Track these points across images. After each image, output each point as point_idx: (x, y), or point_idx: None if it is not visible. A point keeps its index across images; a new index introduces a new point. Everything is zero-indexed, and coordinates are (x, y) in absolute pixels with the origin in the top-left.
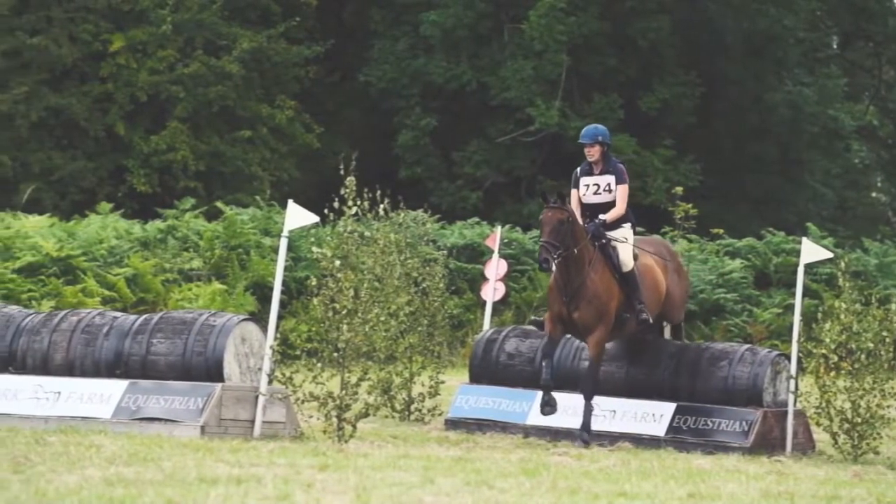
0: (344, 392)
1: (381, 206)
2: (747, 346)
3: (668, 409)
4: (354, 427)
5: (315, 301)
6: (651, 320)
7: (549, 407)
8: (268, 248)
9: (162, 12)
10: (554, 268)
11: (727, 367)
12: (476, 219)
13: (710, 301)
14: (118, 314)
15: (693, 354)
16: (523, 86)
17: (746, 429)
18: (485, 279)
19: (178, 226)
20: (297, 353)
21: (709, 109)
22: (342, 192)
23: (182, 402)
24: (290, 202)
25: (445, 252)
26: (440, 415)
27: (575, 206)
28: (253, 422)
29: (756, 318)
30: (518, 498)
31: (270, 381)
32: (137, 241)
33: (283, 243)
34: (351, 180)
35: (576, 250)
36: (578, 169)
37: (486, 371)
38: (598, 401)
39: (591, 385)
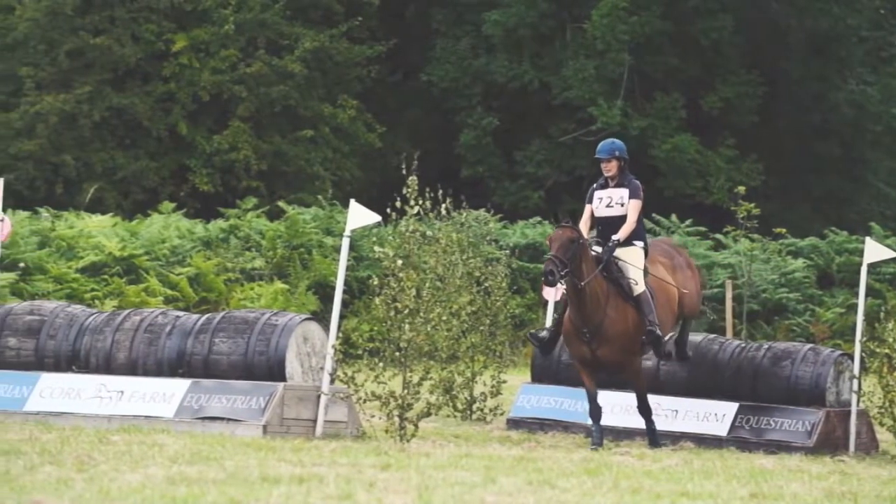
0: (406, 391)
1: (443, 205)
2: (810, 345)
3: (730, 408)
4: (416, 426)
5: (377, 300)
6: (663, 336)
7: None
8: (330, 248)
9: (224, 12)
10: (559, 285)
11: (790, 366)
12: (538, 218)
13: (773, 301)
14: (180, 313)
15: (755, 354)
16: (585, 85)
17: (809, 429)
18: None
19: (241, 225)
20: (359, 352)
21: (771, 109)
22: (404, 191)
23: (244, 402)
24: (352, 202)
25: (507, 251)
26: (502, 414)
27: (586, 220)
28: (315, 421)
29: (818, 318)
30: (580, 497)
31: (332, 381)
32: (200, 241)
33: (345, 243)
34: (413, 180)
35: (583, 284)
36: (595, 185)
37: (548, 371)
38: (660, 400)
39: (647, 409)
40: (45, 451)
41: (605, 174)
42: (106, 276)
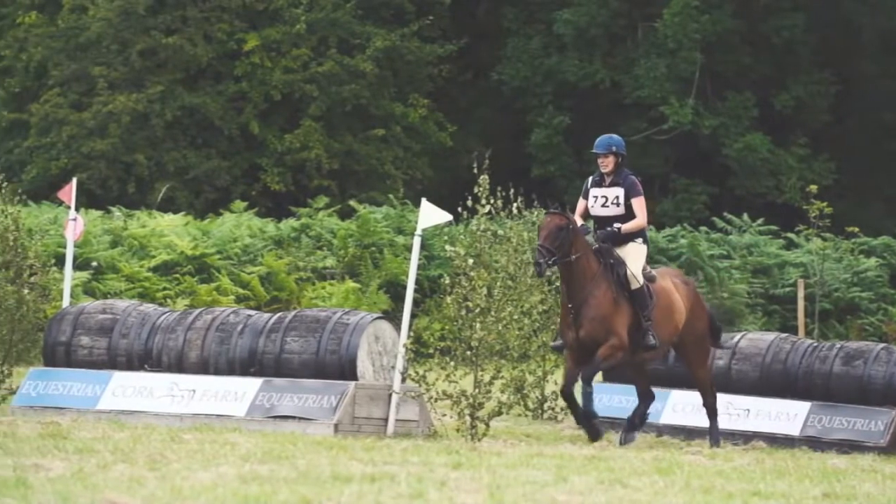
0: (477, 390)
1: (515, 204)
2: (883, 345)
3: (802, 408)
4: (487, 425)
5: (448, 299)
6: (657, 344)
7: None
8: (401, 247)
9: (296, 11)
10: (548, 273)
11: (862, 366)
12: None
13: (845, 300)
14: (252, 312)
15: (828, 354)
16: (657, 84)
17: (882, 428)
18: None
19: (312, 224)
20: (431, 351)
21: (843, 107)
22: (475, 190)
23: (316, 401)
24: (424, 200)
25: None
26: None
27: (579, 214)
28: (386, 420)
29: (891, 317)
30: (652, 497)
31: (404, 380)
32: (271, 240)
33: (417, 242)
34: (484, 178)
35: (573, 257)
36: (590, 179)
37: (619, 370)
38: (731, 399)
39: (591, 372)
40: (118, 449)
41: (602, 170)
42: (178, 275)
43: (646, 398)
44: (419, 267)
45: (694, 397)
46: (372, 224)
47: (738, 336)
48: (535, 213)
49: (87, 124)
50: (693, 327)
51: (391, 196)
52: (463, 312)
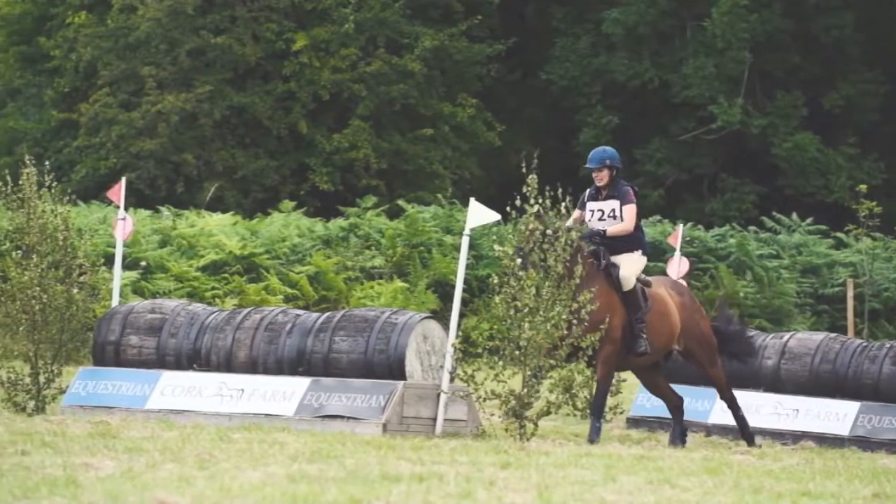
0: (525, 390)
1: (563, 203)
2: None
3: (851, 408)
4: (536, 425)
5: (497, 299)
6: (647, 350)
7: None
8: (449, 247)
9: (344, 11)
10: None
11: None
12: (658, 217)
13: (895, 299)
14: (301, 312)
15: (877, 353)
16: (705, 83)
17: None
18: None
19: (360, 224)
20: (479, 350)
21: (893, 106)
22: (524, 189)
23: (364, 400)
24: (472, 200)
25: None
26: (622, 413)
27: (571, 222)
28: (435, 419)
29: None
30: (700, 496)
31: (452, 379)
32: (320, 240)
33: (465, 241)
34: (533, 178)
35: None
36: (587, 192)
37: (668, 369)
38: (780, 399)
39: (599, 406)
40: (167, 448)
41: (597, 183)
42: (226, 275)
43: (677, 413)
44: (467, 266)
45: (743, 397)
46: (420, 224)
47: (787, 336)
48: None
49: (136, 124)
50: (693, 331)
51: (439, 196)
52: (511, 312)
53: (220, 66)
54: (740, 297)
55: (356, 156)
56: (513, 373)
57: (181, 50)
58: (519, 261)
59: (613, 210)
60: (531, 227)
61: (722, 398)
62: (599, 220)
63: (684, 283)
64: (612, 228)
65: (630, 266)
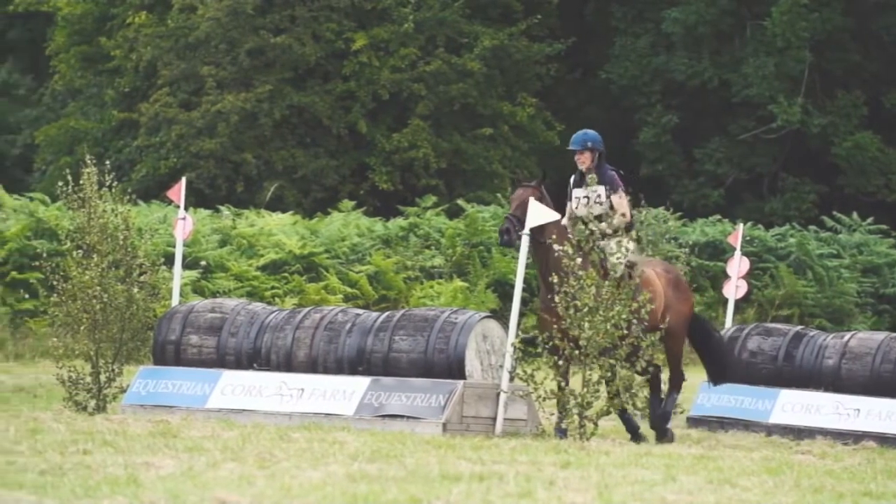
0: (585, 390)
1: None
2: None
3: None
4: (596, 425)
5: (556, 298)
6: (639, 336)
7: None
8: None
9: (404, 10)
10: (516, 243)
11: None
12: (717, 216)
13: None
14: (360, 311)
15: None
16: (765, 83)
17: None
18: (727, 277)
19: (420, 223)
20: (539, 350)
21: None
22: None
23: (424, 399)
24: (532, 199)
25: (686, 249)
26: (682, 413)
27: (567, 218)
28: (494, 419)
29: None
30: (761, 496)
31: (512, 379)
32: (379, 239)
33: (525, 241)
34: (592, 178)
35: (547, 241)
36: (571, 179)
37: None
38: (841, 399)
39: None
40: (227, 448)
41: (580, 167)
42: (286, 274)
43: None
44: (527, 266)
45: (803, 397)
46: (480, 223)
47: (847, 336)
48: (644, 212)
49: (196, 123)
50: (674, 307)
51: (499, 195)
52: (571, 311)
53: (280, 65)
54: (801, 297)
55: (416, 155)
56: (573, 372)
57: (241, 49)
58: (503, 239)
59: (599, 196)
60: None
61: (669, 378)
62: (586, 206)
63: (678, 268)
64: (613, 223)
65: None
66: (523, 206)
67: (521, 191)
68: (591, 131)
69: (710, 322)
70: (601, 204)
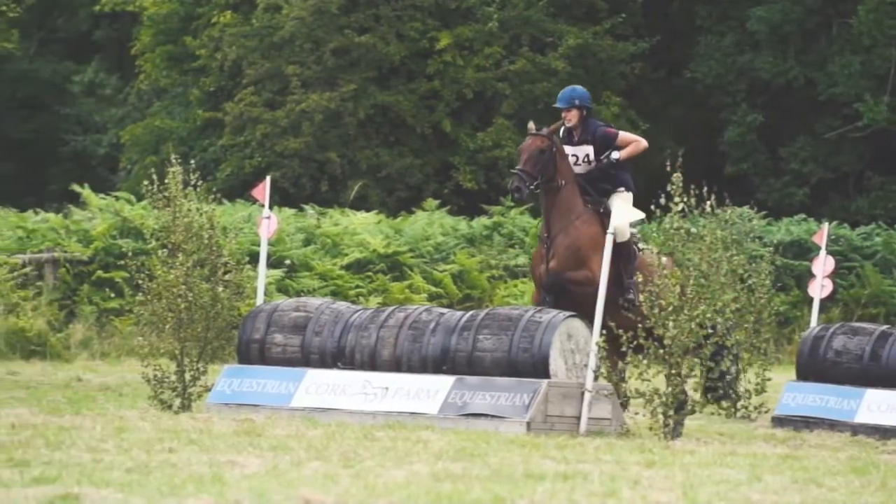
0: (670, 389)
1: (708, 202)
2: None
3: None
4: (681, 424)
5: (641, 297)
6: (638, 302)
7: None
8: None
9: (489, 9)
10: (526, 197)
11: None
12: (803, 215)
13: None
14: (444, 310)
15: None
16: (851, 81)
17: None
18: (812, 276)
19: (504, 222)
20: (623, 349)
21: None
22: (668, 188)
23: (508, 399)
24: (616, 199)
25: (771, 248)
26: (767, 412)
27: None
28: (579, 418)
29: None
30: (847, 496)
31: (596, 378)
32: (463, 238)
33: (609, 240)
34: (677, 176)
35: (561, 183)
36: (560, 134)
37: (814, 368)
38: None
39: (553, 280)
40: (312, 446)
41: (566, 124)
42: (370, 273)
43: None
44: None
45: (889, 397)
46: None
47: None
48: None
49: (281, 123)
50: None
51: None
52: (656, 310)
53: (365, 64)
54: (887, 296)
55: (500, 154)
56: (657, 371)
57: (325, 49)
58: (514, 196)
59: (588, 155)
60: (676, 226)
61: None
62: (574, 164)
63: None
64: (626, 152)
65: (622, 216)
66: (532, 159)
67: (530, 140)
68: (578, 87)
69: None
70: (589, 163)
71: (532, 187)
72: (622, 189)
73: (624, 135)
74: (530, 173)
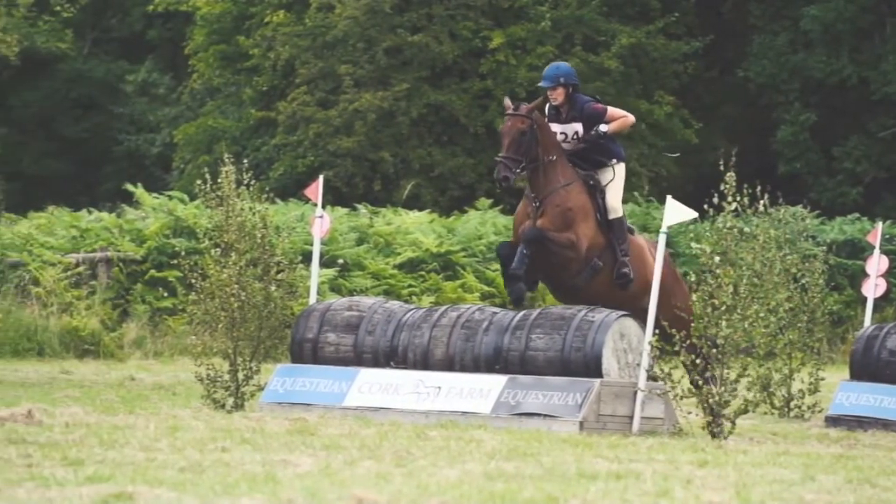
0: (723, 388)
1: (761, 201)
2: None
3: None
4: (733, 423)
5: (694, 297)
6: (631, 275)
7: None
8: None
9: (541, 9)
10: (513, 183)
11: None
12: (856, 214)
13: None
14: (497, 310)
15: None
16: None
17: None
18: (865, 275)
19: None
20: (676, 348)
21: None
22: (721, 187)
23: (561, 398)
24: (669, 198)
25: (824, 248)
26: (820, 412)
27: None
28: (631, 418)
29: None
30: None
31: (649, 377)
32: None
33: (662, 239)
34: (730, 176)
35: (550, 158)
36: (546, 111)
37: (867, 368)
38: None
39: (533, 235)
40: (365, 445)
41: (552, 102)
42: (423, 273)
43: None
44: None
45: None
46: None
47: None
48: (782, 210)
49: (334, 122)
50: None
51: (636, 193)
52: (709, 310)
53: (417, 64)
54: None
55: None
56: (710, 371)
57: (378, 48)
58: (501, 185)
59: (576, 132)
60: (729, 225)
61: None
62: (564, 142)
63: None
64: (614, 126)
65: (615, 192)
66: (515, 143)
67: (510, 122)
68: (563, 64)
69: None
70: (579, 141)
71: (519, 171)
72: (615, 160)
73: (612, 110)
74: (514, 158)
